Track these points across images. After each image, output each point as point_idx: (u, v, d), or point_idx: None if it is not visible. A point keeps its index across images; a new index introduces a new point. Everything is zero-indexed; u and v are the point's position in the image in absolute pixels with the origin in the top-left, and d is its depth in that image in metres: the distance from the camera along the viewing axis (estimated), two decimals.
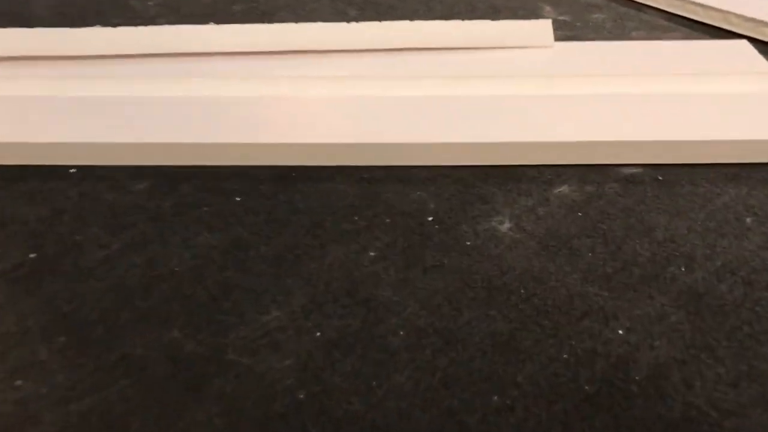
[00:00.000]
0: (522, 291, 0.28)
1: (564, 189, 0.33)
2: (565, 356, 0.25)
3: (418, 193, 0.33)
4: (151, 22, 0.51)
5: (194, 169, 0.35)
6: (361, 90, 0.39)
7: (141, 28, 0.46)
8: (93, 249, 0.30)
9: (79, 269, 0.29)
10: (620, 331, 0.26)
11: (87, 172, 0.35)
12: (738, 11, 0.46)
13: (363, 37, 0.44)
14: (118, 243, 0.31)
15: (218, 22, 0.51)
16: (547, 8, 0.52)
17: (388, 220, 0.31)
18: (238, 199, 0.33)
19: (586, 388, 0.24)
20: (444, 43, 0.43)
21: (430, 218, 0.32)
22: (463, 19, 0.47)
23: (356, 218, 0.32)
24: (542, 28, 0.43)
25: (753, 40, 0.45)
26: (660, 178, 0.34)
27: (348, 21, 0.51)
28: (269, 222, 0.32)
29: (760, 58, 0.41)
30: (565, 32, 0.48)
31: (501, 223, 0.31)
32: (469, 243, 0.30)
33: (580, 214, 0.32)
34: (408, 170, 0.35)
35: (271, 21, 0.51)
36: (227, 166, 0.35)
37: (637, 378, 0.24)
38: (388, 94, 0.38)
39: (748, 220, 0.31)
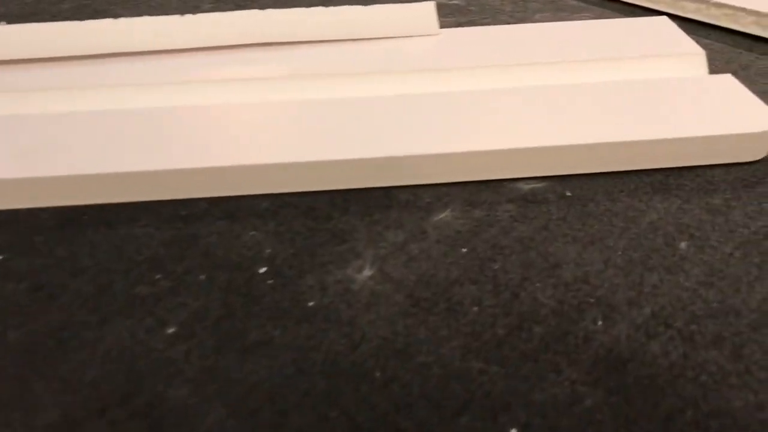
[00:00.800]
0: (378, 374, 0.19)
1: (446, 216, 0.25)
2: None
3: (252, 233, 0.25)
4: None
5: None
6: (181, 98, 0.30)
7: None
8: None
9: None
10: (513, 431, 0.18)
11: None
12: None
13: (204, 31, 0.35)
14: None
15: (37, 20, 0.41)
16: None
17: (202, 277, 0.23)
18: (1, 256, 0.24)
19: None
20: (304, 34, 0.34)
21: (263, 269, 0.23)
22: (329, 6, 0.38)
23: (158, 277, 0.23)
24: (424, 12, 0.35)
25: (672, 17, 0.38)
26: (568, 193, 0.26)
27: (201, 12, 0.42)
28: (35, 291, 0.22)
29: (684, 36, 0.34)
30: (457, 18, 0.41)
31: (360, 270, 0.23)
32: (312, 303, 0.22)
33: (464, 249, 0.24)
34: (241, 201, 0.26)
35: (101, 16, 0.42)
36: None
37: None
38: (215, 101, 0.29)
39: (683, 245, 0.24)
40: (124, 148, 0.27)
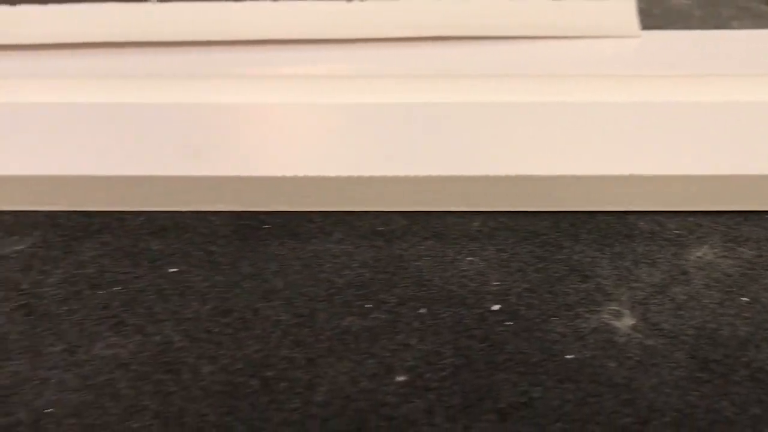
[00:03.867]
0: None
1: (706, 253, 0.20)
2: None
3: (469, 259, 0.20)
4: None
5: (114, 216, 0.22)
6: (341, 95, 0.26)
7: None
8: None
9: None
10: None
11: None
12: None
13: (354, 18, 0.31)
14: None
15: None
16: None
17: (422, 311, 0.19)
18: (171, 269, 0.20)
19: None
20: (482, 28, 0.30)
21: (496, 307, 0.19)
22: None
23: (368, 306, 0.19)
24: (623, 10, 0.31)
25: None
26: None
27: None
28: (223, 315, 0.19)
29: None
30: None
31: (618, 316, 0.18)
32: (570, 357, 0.17)
33: (745, 299, 0.19)
34: (446, 219, 0.22)
35: None
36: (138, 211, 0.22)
37: None
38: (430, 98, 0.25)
39: None
40: (316, 148, 0.23)
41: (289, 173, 0.22)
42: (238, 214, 0.22)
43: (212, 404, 0.16)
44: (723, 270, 0.20)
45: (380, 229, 0.22)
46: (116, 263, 0.20)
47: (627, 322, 0.18)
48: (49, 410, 0.16)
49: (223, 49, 0.28)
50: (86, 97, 0.24)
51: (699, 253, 0.20)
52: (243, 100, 0.25)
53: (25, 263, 0.20)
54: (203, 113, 0.24)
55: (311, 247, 0.21)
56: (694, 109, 0.25)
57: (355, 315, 0.18)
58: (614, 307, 0.19)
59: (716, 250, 0.21)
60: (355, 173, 0.21)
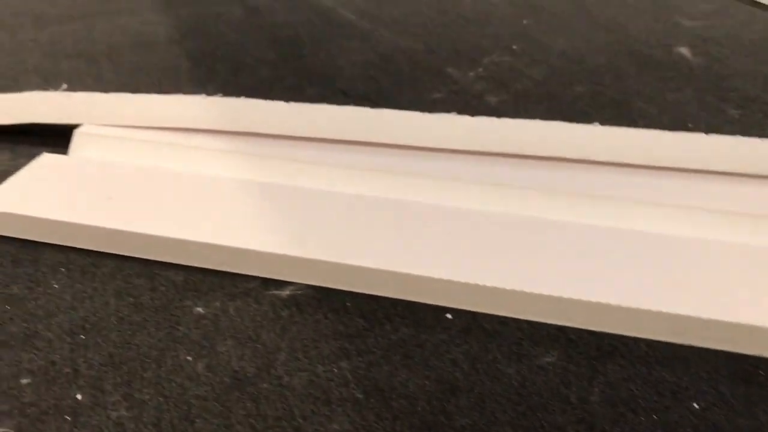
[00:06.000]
0: None
1: None
2: None
3: None
4: (478, 99, 0.43)
5: (619, 340, 0.26)
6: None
7: (487, 121, 0.38)
8: None
9: None
10: None
11: (470, 320, 0.27)
12: None
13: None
14: None
15: (552, 105, 0.42)
16: None
17: None
18: (696, 405, 0.23)
19: None
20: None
21: None
22: None
23: None
24: None
25: None
26: None
27: (726, 122, 0.41)
28: None
29: None
30: None
31: None
32: None
33: None
34: None
35: (622, 109, 0.42)
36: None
37: None
38: None
39: None
40: None
41: None
42: (732, 354, 0.25)
43: None
44: None
45: None
46: (641, 390, 0.24)
47: None
48: None
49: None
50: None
51: None
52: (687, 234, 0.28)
53: (562, 377, 0.24)
54: (663, 243, 0.28)
55: None
56: None
57: None
58: None
59: None
60: None
